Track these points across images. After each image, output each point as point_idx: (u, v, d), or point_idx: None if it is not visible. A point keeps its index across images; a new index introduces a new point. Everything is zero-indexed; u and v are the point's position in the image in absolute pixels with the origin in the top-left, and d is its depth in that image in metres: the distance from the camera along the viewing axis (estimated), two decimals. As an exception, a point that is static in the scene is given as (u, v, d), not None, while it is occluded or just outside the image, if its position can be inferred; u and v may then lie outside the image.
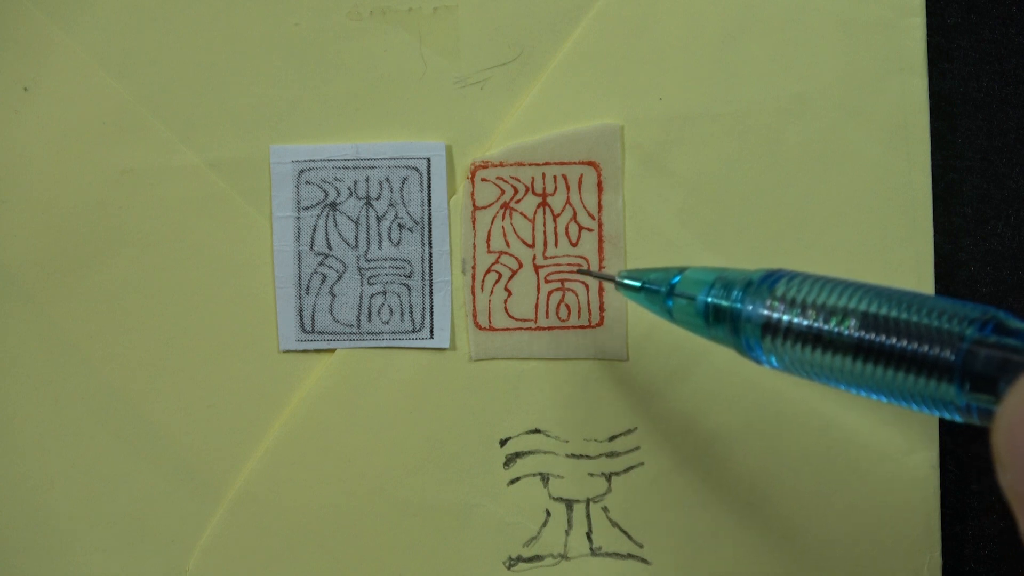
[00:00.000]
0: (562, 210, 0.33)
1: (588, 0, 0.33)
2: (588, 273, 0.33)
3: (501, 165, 0.33)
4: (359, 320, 0.33)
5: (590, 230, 0.33)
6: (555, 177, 0.33)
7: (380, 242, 0.33)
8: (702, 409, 0.33)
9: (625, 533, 0.33)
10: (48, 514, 0.34)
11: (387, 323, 0.33)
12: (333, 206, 0.33)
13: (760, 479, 0.33)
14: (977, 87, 0.34)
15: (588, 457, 0.33)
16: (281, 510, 0.34)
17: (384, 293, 0.33)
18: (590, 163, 0.33)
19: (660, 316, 0.28)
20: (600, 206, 0.33)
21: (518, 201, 0.33)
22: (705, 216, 0.33)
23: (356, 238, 0.33)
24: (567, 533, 0.33)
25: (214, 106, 0.33)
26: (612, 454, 0.33)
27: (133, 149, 0.34)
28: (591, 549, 0.33)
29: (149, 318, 0.34)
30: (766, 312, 0.24)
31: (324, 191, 0.33)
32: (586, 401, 0.33)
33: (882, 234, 0.32)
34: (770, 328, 0.23)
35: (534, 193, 0.33)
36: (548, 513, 0.33)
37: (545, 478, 0.33)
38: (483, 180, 0.33)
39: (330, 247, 0.34)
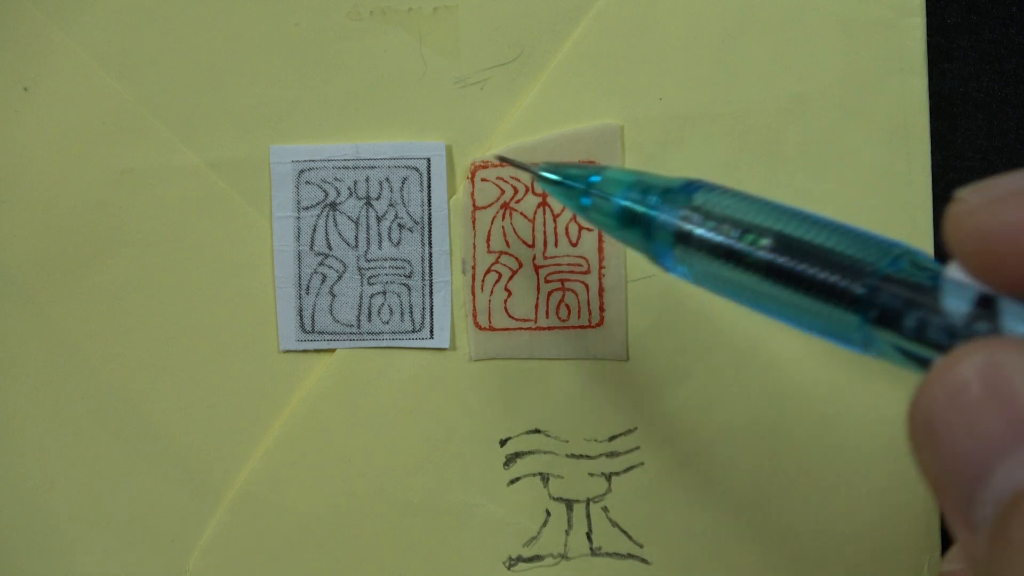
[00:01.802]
0: (562, 210, 0.33)
1: (588, 0, 0.33)
2: (507, 160, 0.32)
3: (501, 165, 0.33)
4: (359, 320, 0.33)
5: (590, 230, 0.33)
6: (555, 177, 0.33)
7: (380, 242, 0.33)
8: (702, 409, 0.33)
9: (625, 533, 0.33)
10: (48, 514, 0.34)
11: (387, 323, 0.33)
12: (333, 206, 0.33)
13: (760, 479, 0.33)
14: (977, 87, 0.34)
15: (588, 457, 0.33)
16: (281, 510, 0.34)
17: (384, 293, 0.33)
18: (590, 163, 0.33)
19: (576, 213, 0.28)
20: (600, 206, 0.33)
21: (518, 201, 0.33)
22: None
23: (356, 238, 0.33)
24: (567, 533, 0.33)
25: (214, 106, 0.33)
26: (612, 454, 0.33)
27: (133, 149, 0.34)
28: (591, 549, 0.33)
29: (149, 318, 0.34)
30: (680, 221, 0.23)
31: (324, 191, 0.33)
32: (586, 401, 0.33)
33: (882, 234, 0.32)
34: (682, 237, 0.23)
35: (534, 193, 0.33)
36: (548, 513, 0.33)
37: (545, 478, 0.33)
38: (483, 180, 0.33)
39: (330, 247, 0.34)
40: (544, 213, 0.33)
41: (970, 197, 0.17)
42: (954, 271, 0.18)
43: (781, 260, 0.21)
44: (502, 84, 0.33)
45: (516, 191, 0.33)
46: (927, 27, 0.32)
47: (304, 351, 0.34)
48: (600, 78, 0.33)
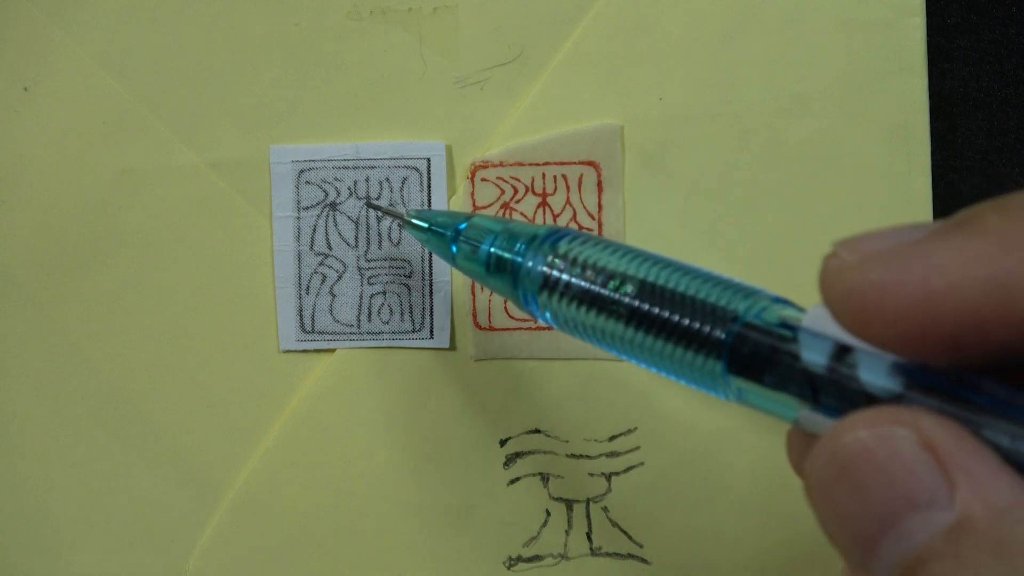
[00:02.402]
0: (562, 210, 0.33)
1: (588, 0, 0.33)
2: (377, 207, 0.32)
3: (501, 165, 0.33)
4: (359, 320, 0.33)
5: (590, 230, 0.33)
6: (555, 177, 0.33)
7: (380, 242, 0.33)
8: (702, 409, 0.33)
9: (625, 533, 0.33)
10: (48, 514, 0.34)
11: (387, 323, 0.33)
12: (333, 206, 0.33)
13: (760, 479, 0.33)
14: (977, 87, 0.34)
15: (588, 457, 0.33)
16: (281, 510, 0.34)
17: (384, 293, 0.33)
18: (590, 163, 0.33)
19: (444, 260, 0.28)
20: (600, 206, 0.33)
21: (518, 201, 0.33)
22: (705, 216, 0.33)
23: (356, 238, 0.33)
24: (567, 533, 0.33)
25: (214, 106, 0.33)
26: (612, 454, 0.33)
27: (133, 149, 0.34)
28: (591, 549, 0.33)
29: (149, 318, 0.34)
30: (545, 268, 0.23)
31: (324, 191, 0.33)
32: (586, 401, 0.33)
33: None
34: (548, 284, 0.23)
35: (534, 193, 0.33)
36: (548, 513, 0.33)
37: (545, 478, 0.33)
38: (483, 180, 0.33)
39: (330, 247, 0.34)
40: (544, 213, 0.33)
41: (843, 252, 0.17)
42: (810, 321, 0.18)
43: (644, 306, 0.21)
44: (502, 84, 0.33)
45: (516, 191, 0.33)
46: (927, 27, 0.32)
47: (304, 351, 0.34)
48: (600, 78, 0.33)
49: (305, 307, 0.33)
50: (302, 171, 0.33)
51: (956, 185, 0.34)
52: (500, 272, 0.25)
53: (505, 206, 0.33)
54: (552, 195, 0.33)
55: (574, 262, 0.23)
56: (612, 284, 0.22)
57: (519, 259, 0.25)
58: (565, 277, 0.23)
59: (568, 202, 0.33)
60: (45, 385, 0.34)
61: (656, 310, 0.21)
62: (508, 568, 0.34)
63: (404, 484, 0.33)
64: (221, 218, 0.34)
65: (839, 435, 0.16)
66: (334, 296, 0.34)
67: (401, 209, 0.33)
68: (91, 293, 0.34)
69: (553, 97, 0.33)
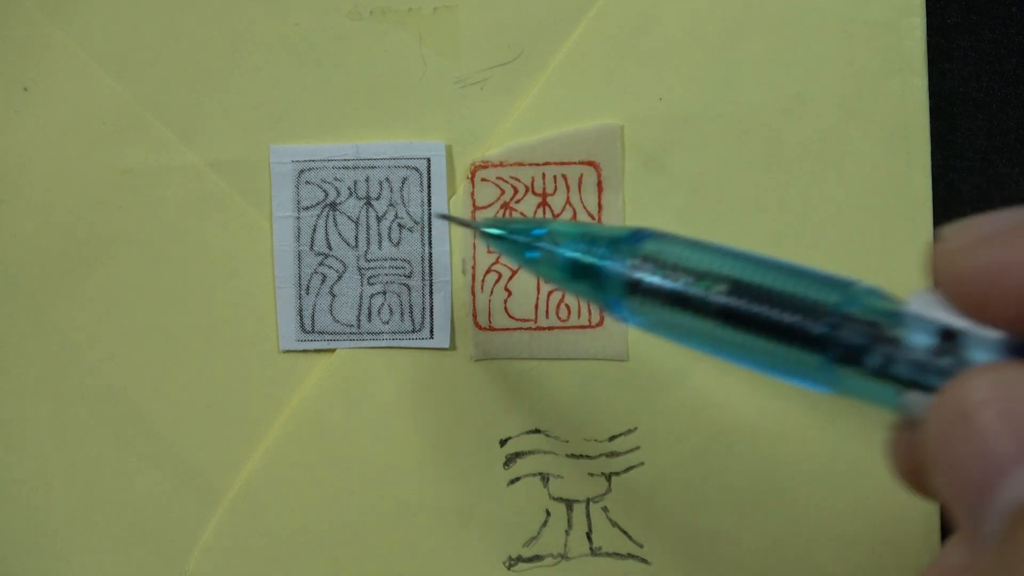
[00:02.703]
0: (562, 210, 0.33)
1: (588, 0, 0.33)
2: (450, 219, 0.32)
3: (501, 165, 0.33)
4: (359, 320, 0.33)
5: (590, 230, 0.33)
6: (555, 177, 0.33)
7: (380, 242, 0.33)
8: (702, 409, 0.33)
9: (625, 533, 0.33)
10: (48, 514, 0.34)
11: (387, 323, 0.33)
12: (333, 206, 0.33)
13: (760, 479, 0.33)
14: (977, 87, 0.34)
15: (588, 457, 0.33)
16: (281, 510, 0.34)
17: (384, 293, 0.33)
18: (590, 163, 0.33)
19: (523, 268, 0.27)
20: (600, 206, 0.33)
21: (518, 201, 0.33)
22: (705, 216, 0.33)
23: (356, 238, 0.33)
24: (567, 533, 0.33)
25: (214, 106, 0.33)
26: (612, 454, 0.33)
27: (133, 149, 0.34)
28: (591, 549, 0.33)
29: (149, 318, 0.34)
30: (630, 271, 0.23)
31: (324, 191, 0.33)
32: (586, 401, 0.33)
33: (882, 234, 0.32)
34: (634, 287, 0.23)
35: (534, 193, 0.33)
36: (548, 513, 0.34)
37: (545, 478, 0.33)
38: (483, 180, 0.33)
39: (330, 247, 0.34)
40: (544, 213, 0.33)
41: (954, 236, 0.18)
42: (917, 305, 0.18)
43: (738, 305, 0.21)
44: (502, 84, 0.33)
45: (516, 191, 0.33)
46: (927, 27, 0.32)
47: (304, 351, 0.34)
48: (600, 78, 0.33)
49: (305, 307, 0.34)
50: (302, 171, 0.33)
51: (956, 185, 0.34)
52: (582, 277, 0.25)
53: (505, 206, 0.33)
54: (552, 195, 0.33)
55: (660, 263, 0.23)
56: (704, 284, 0.21)
57: (601, 262, 0.24)
58: (654, 279, 0.22)
59: (568, 202, 0.33)
60: (45, 385, 0.34)
61: (751, 307, 0.21)
62: (508, 568, 0.34)
63: (404, 484, 0.33)
64: (221, 218, 0.34)
65: (961, 384, 0.17)
66: (334, 296, 0.34)
67: (474, 220, 0.32)
68: (91, 293, 0.34)
69: (553, 97, 0.33)
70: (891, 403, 0.19)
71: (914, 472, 0.19)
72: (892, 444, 0.20)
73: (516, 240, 0.27)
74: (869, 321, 0.19)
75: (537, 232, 0.27)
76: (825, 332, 0.19)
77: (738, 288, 0.21)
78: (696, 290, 0.22)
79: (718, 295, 0.21)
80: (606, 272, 0.24)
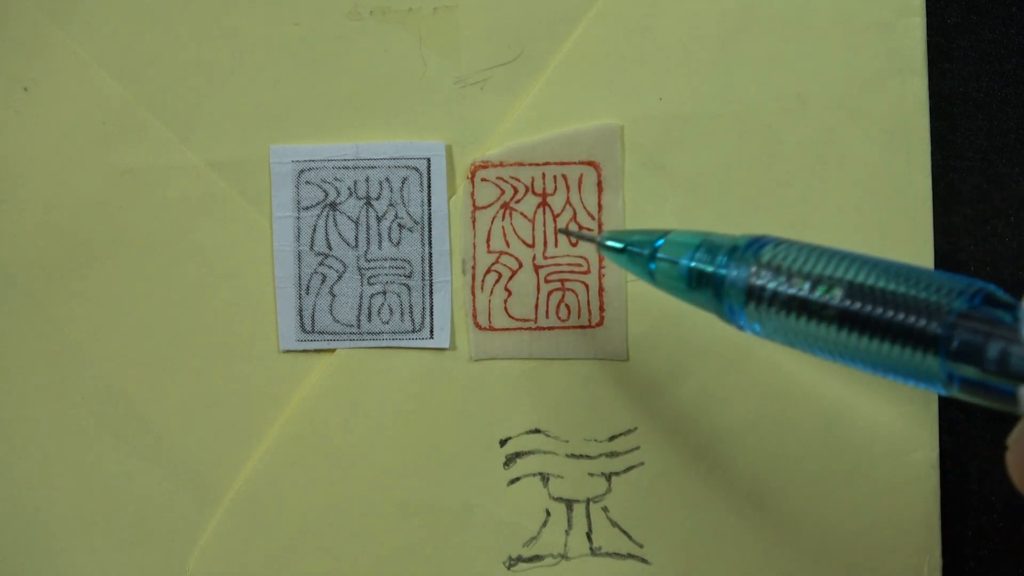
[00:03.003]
0: (562, 210, 0.33)
1: (588, 0, 0.33)
2: (569, 232, 0.32)
3: (501, 165, 0.33)
4: (359, 320, 0.33)
5: (590, 230, 0.33)
6: (555, 177, 0.33)
7: (380, 242, 0.33)
8: (702, 409, 0.33)
9: (625, 533, 0.33)
10: (48, 514, 0.34)
11: (387, 323, 0.33)
12: (333, 206, 0.33)
13: (760, 479, 0.33)
14: (977, 87, 0.34)
15: (588, 457, 0.33)
16: (281, 510, 0.34)
17: (384, 293, 0.33)
18: (590, 163, 0.33)
19: (642, 279, 0.28)
20: (600, 206, 0.33)
21: (518, 201, 0.33)
22: (705, 216, 0.33)
23: (356, 238, 0.33)
24: (567, 533, 0.33)
25: (214, 106, 0.33)
26: (612, 454, 0.33)
27: (133, 149, 0.34)
28: (591, 549, 0.33)
29: (149, 318, 0.34)
30: (750, 278, 0.23)
31: (324, 191, 0.33)
32: (586, 401, 0.33)
33: (882, 234, 0.32)
34: (754, 295, 0.23)
35: (534, 193, 0.33)
36: (548, 513, 0.33)
37: (545, 478, 0.33)
38: (483, 180, 0.33)
39: (330, 247, 0.34)
40: (544, 213, 0.33)
41: None
42: None
43: (855, 308, 0.21)
44: (502, 84, 0.33)
45: (516, 191, 0.33)
46: (927, 27, 0.32)
47: (304, 351, 0.34)
48: (600, 78, 0.33)
49: (305, 307, 0.33)
50: (302, 171, 0.33)
51: (956, 185, 0.34)
52: (703, 287, 0.25)
53: (505, 206, 0.33)
54: (552, 195, 0.33)
55: (779, 269, 0.23)
56: (821, 289, 0.22)
57: (722, 271, 0.24)
58: (772, 286, 0.23)
59: (568, 202, 0.33)
60: (45, 385, 0.34)
61: (869, 311, 0.21)
62: (508, 568, 0.33)
63: (404, 484, 0.33)
64: (221, 218, 0.34)
65: None
66: (334, 296, 0.33)
67: (594, 233, 0.32)
68: (91, 293, 0.34)
69: (553, 97, 0.33)
70: (1008, 400, 0.19)
71: None
72: (1011, 453, 0.20)
73: (639, 253, 0.27)
74: (985, 319, 0.19)
75: (658, 244, 0.27)
76: (942, 332, 0.20)
77: (854, 291, 0.21)
78: (814, 296, 0.22)
79: (835, 299, 0.21)
80: (726, 281, 0.24)
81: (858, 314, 0.21)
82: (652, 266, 0.27)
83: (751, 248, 0.24)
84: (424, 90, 0.33)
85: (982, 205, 0.34)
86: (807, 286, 0.22)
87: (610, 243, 0.28)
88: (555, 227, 0.33)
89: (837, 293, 0.22)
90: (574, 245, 0.33)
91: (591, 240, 0.30)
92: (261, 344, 0.34)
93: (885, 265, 0.22)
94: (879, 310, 0.21)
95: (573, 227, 0.33)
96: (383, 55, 0.33)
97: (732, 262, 0.24)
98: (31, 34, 0.33)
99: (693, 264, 0.25)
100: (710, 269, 0.25)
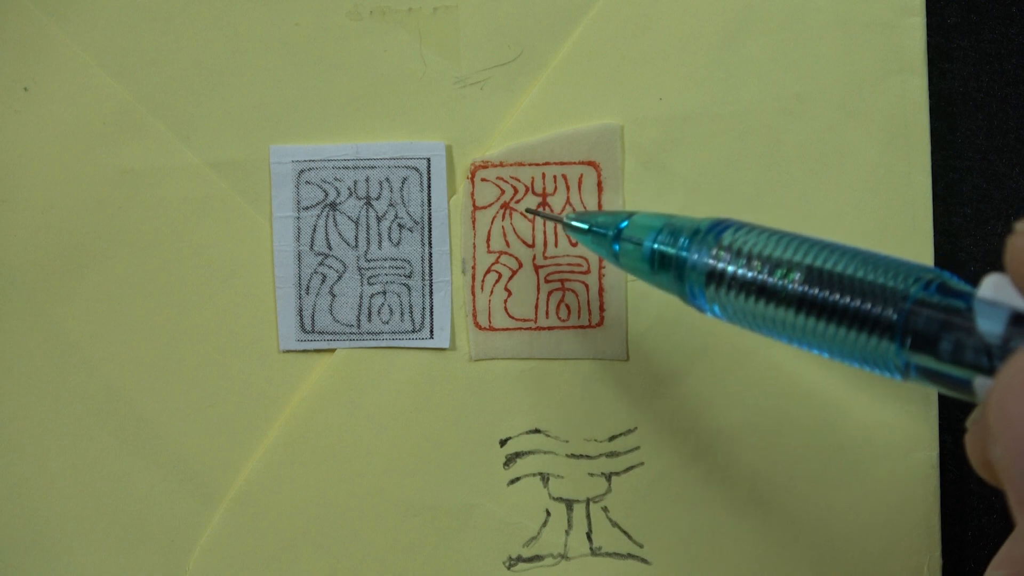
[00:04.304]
0: (562, 210, 0.33)
1: (588, 0, 0.33)
2: (536, 213, 0.32)
3: (501, 165, 0.33)
4: (359, 320, 0.33)
5: (590, 230, 0.33)
6: (555, 177, 0.33)
7: (380, 242, 0.33)
8: (702, 409, 0.33)
9: (625, 533, 0.33)
10: (48, 514, 0.34)
11: (387, 323, 0.33)
12: (333, 206, 0.33)
13: (760, 479, 0.33)
14: (977, 87, 0.34)
15: (588, 457, 0.33)
16: (281, 510, 0.34)
17: (384, 293, 0.33)
18: (590, 163, 0.33)
19: (607, 260, 0.28)
20: (600, 206, 0.33)
21: (518, 201, 0.33)
22: (705, 216, 0.33)
23: (356, 238, 0.33)
24: (567, 533, 0.33)
25: (214, 106, 0.33)
26: (612, 454, 0.33)
27: (133, 149, 0.34)
28: (591, 549, 0.33)
29: (149, 318, 0.34)
30: (711, 261, 0.24)
31: (324, 191, 0.33)
32: (586, 401, 0.33)
33: (882, 234, 0.32)
34: (714, 277, 0.23)
35: (534, 193, 0.33)
36: (548, 513, 0.33)
37: (545, 478, 0.33)
38: (483, 180, 0.33)
39: (330, 247, 0.34)
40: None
41: None
42: (987, 290, 0.19)
43: (813, 292, 0.21)
44: (502, 84, 0.33)
45: (516, 191, 0.33)
46: (927, 27, 0.32)
47: (304, 351, 0.34)
48: (600, 78, 0.33)
49: (305, 307, 0.33)
50: (302, 171, 0.33)
51: (956, 185, 0.34)
52: (665, 269, 0.25)
53: (505, 206, 0.33)
54: (552, 195, 0.33)
55: (739, 253, 0.23)
56: (779, 272, 0.22)
57: (683, 254, 0.24)
58: (731, 269, 0.23)
59: (568, 202, 0.33)
60: (45, 385, 0.34)
61: (825, 295, 0.21)
62: (508, 568, 0.33)
63: (404, 484, 0.33)
64: (221, 218, 0.34)
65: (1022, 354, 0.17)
66: (334, 296, 0.33)
67: (558, 213, 0.32)
68: (91, 293, 0.34)
69: (553, 97, 0.33)
70: (963, 389, 0.19)
71: (988, 462, 0.19)
72: (969, 435, 0.20)
73: (603, 233, 0.28)
74: (941, 307, 0.19)
75: (622, 225, 0.27)
76: (898, 319, 0.20)
77: (813, 276, 0.21)
78: (772, 279, 0.22)
79: (793, 283, 0.22)
80: (687, 263, 0.24)
81: (815, 298, 0.21)
82: (616, 247, 0.27)
83: (712, 231, 0.24)
84: (424, 90, 0.33)
85: (982, 205, 0.34)
86: (766, 269, 0.22)
87: (575, 223, 0.29)
88: (555, 227, 0.33)
89: (795, 277, 0.22)
90: (574, 245, 0.33)
91: (557, 220, 0.30)
92: (261, 344, 0.34)
93: (843, 250, 0.22)
94: (836, 295, 0.21)
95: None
96: (383, 55, 0.33)
97: (693, 245, 0.24)
98: (31, 34, 0.33)
99: (656, 246, 0.26)
100: (672, 251, 0.25)
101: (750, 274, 0.23)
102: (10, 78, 0.34)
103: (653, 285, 0.26)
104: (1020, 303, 0.18)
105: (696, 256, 0.24)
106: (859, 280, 0.21)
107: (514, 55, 0.33)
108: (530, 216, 0.33)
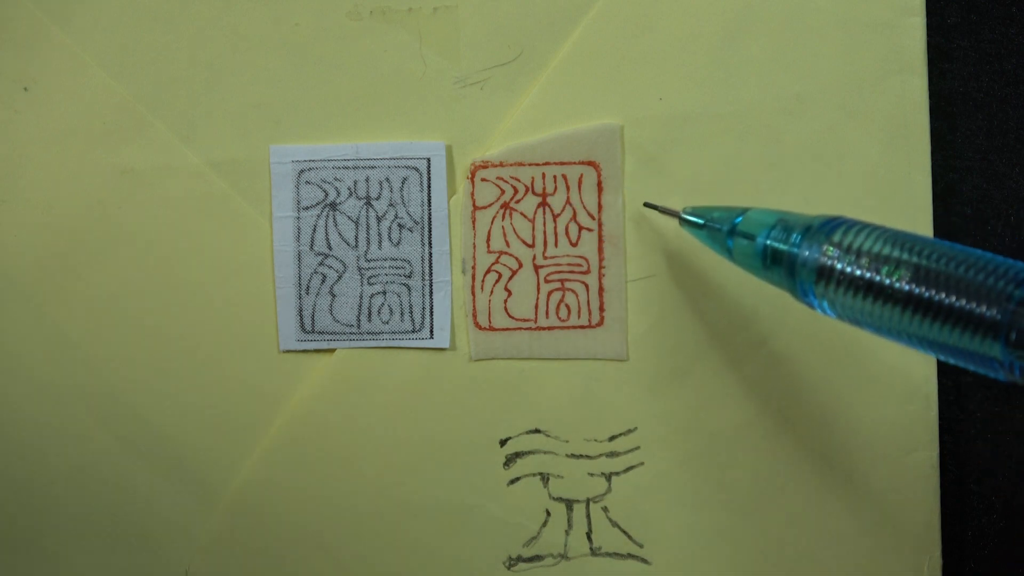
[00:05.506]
0: (562, 210, 0.33)
1: (588, 0, 0.33)
2: (653, 207, 0.32)
3: (501, 165, 0.33)
4: (359, 320, 0.33)
5: (590, 230, 0.33)
6: (555, 177, 0.33)
7: (380, 242, 0.33)
8: (702, 409, 0.33)
9: (625, 533, 0.33)
10: (48, 514, 0.34)
11: (387, 323, 0.33)
12: (333, 206, 0.33)
13: (760, 479, 0.33)
14: (977, 87, 0.34)
15: (588, 457, 0.33)
16: (281, 510, 0.34)
17: (384, 293, 0.33)
18: (590, 163, 0.33)
19: (720, 254, 0.28)
20: (600, 206, 0.33)
21: (518, 201, 0.33)
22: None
23: (356, 238, 0.33)
24: (567, 533, 0.33)
25: (214, 106, 0.33)
26: (612, 454, 0.33)
27: (133, 149, 0.34)
28: (591, 549, 0.33)
29: (149, 318, 0.34)
30: (822, 258, 0.24)
31: (324, 191, 0.33)
32: (586, 401, 0.33)
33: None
34: (824, 274, 0.24)
35: (534, 193, 0.33)
36: (548, 513, 0.33)
37: (545, 478, 0.33)
38: (483, 180, 0.33)
39: (330, 247, 0.34)
40: (544, 213, 0.33)
41: None
42: None
43: (919, 291, 0.22)
44: (502, 84, 0.33)
45: (516, 191, 0.33)
46: (927, 27, 0.32)
47: (304, 351, 0.34)
48: (600, 78, 0.33)
49: (305, 307, 0.33)
50: (302, 171, 0.33)
51: (956, 185, 0.34)
52: (777, 265, 0.26)
53: (505, 206, 0.33)
54: (552, 195, 0.33)
55: (848, 249, 0.23)
56: (886, 270, 0.22)
57: (795, 250, 0.25)
58: (841, 266, 0.23)
59: (568, 202, 0.33)
60: (45, 385, 0.34)
61: (932, 294, 0.21)
62: (508, 568, 0.34)
63: (404, 484, 0.33)
64: (221, 218, 0.34)
65: None
66: (334, 296, 0.34)
67: (675, 207, 0.32)
68: (91, 293, 0.34)
69: (553, 97, 0.33)
70: None
71: None
72: None
73: (717, 228, 0.28)
74: None
75: (737, 221, 0.27)
76: (1003, 319, 0.20)
77: (919, 275, 0.22)
78: (880, 277, 0.22)
79: (900, 282, 0.22)
80: (799, 259, 0.25)
81: (922, 297, 0.22)
82: (730, 243, 0.28)
83: (824, 228, 0.24)
84: (424, 90, 0.33)
85: (982, 205, 0.34)
86: (874, 267, 0.23)
87: (691, 218, 0.29)
88: (555, 227, 0.33)
89: (903, 274, 0.22)
90: (574, 245, 0.33)
91: (673, 214, 0.31)
92: (261, 344, 0.34)
93: (951, 249, 0.22)
94: (942, 294, 0.21)
95: (573, 228, 0.33)
96: (383, 55, 0.33)
97: (805, 241, 0.25)
98: (31, 34, 0.33)
99: (768, 242, 0.26)
100: (784, 247, 0.25)
101: (858, 271, 0.23)
102: (10, 78, 0.34)
103: (765, 281, 0.27)
104: None
105: (807, 253, 0.24)
106: (965, 280, 0.21)
107: (514, 55, 0.33)
108: (650, 209, 0.33)
